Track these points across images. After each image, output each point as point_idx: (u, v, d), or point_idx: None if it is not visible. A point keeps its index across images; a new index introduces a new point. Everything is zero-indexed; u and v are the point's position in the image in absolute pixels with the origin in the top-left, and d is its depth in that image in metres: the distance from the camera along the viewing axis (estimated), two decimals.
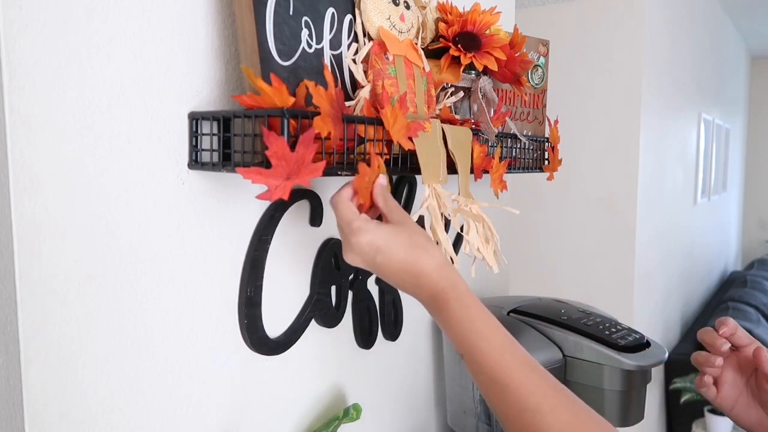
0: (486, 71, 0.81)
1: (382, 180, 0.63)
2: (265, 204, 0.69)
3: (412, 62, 0.70)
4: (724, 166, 4.02)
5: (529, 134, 0.99)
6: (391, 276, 0.61)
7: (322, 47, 0.64)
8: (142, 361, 0.59)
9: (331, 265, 0.79)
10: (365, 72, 0.67)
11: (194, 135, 0.61)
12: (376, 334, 0.89)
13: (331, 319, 0.80)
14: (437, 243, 0.69)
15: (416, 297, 0.62)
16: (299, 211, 0.74)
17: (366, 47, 0.67)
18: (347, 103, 0.65)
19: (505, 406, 0.56)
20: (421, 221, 0.71)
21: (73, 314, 0.53)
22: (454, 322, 0.59)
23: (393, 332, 0.92)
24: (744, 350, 0.73)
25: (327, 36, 0.64)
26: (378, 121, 0.63)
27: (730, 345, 0.73)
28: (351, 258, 0.61)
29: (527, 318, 0.98)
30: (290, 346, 0.74)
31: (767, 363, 0.69)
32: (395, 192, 0.89)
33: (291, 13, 0.60)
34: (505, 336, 0.59)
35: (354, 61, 0.66)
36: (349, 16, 0.67)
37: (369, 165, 0.61)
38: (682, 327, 3.12)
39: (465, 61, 0.75)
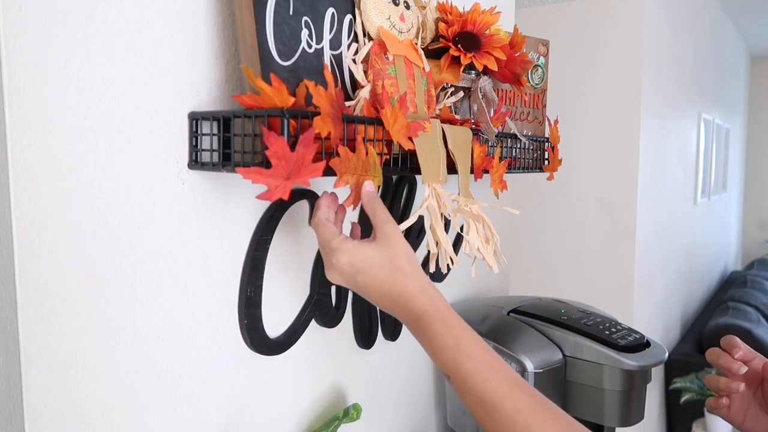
0: (486, 71, 0.81)
1: (369, 186, 0.61)
2: (265, 204, 0.69)
3: (412, 62, 0.70)
4: (724, 166, 4.02)
5: (529, 134, 0.99)
6: (372, 297, 0.60)
7: (322, 47, 0.64)
8: (142, 361, 0.59)
9: None
10: (365, 72, 0.67)
11: (194, 135, 0.61)
12: (376, 334, 0.89)
13: (331, 319, 0.80)
14: (437, 243, 0.69)
15: (398, 318, 0.62)
16: (299, 211, 0.74)
17: (366, 47, 0.67)
18: (347, 103, 0.65)
19: (493, 424, 0.56)
20: (421, 221, 0.71)
21: (73, 314, 0.53)
22: (440, 344, 0.58)
23: (393, 332, 0.92)
24: (750, 365, 0.75)
25: (327, 36, 0.64)
26: (378, 121, 0.63)
27: (747, 368, 0.74)
28: (332, 277, 0.61)
29: (527, 318, 0.98)
30: (290, 346, 0.74)
31: None
32: (395, 192, 0.89)
33: (291, 13, 0.60)
34: (491, 354, 0.59)
35: (354, 61, 0.66)
36: (349, 16, 0.67)
37: (354, 151, 0.59)
38: (682, 327, 3.12)
39: (465, 61, 0.75)
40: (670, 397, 2.69)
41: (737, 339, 0.76)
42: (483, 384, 0.56)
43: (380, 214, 0.61)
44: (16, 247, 0.49)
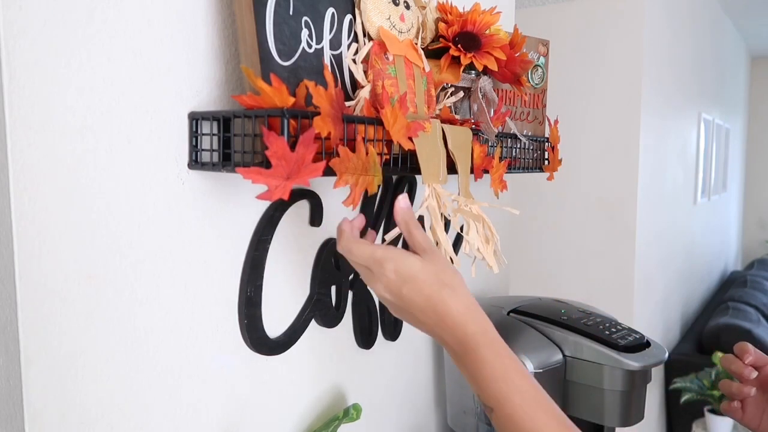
0: (486, 71, 0.81)
1: (403, 202, 0.59)
2: (265, 204, 0.69)
3: (412, 62, 0.70)
4: (724, 166, 4.02)
5: (529, 134, 0.99)
6: (414, 311, 0.57)
7: (322, 47, 0.64)
8: (142, 361, 0.59)
9: (331, 265, 0.79)
10: (365, 72, 0.67)
11: (194, 135, 0.61)
12: (376, 334, 0.89)
13: (331, 319, 0.80)
14: (437, 243, 0.69)
15: (438, 338, 0.58)
16: (299, 211, 0.74)
17: (366, 47, 0.67)
18: (347, 103, 0.65)
19: None
20: (421, 221, 0.71)
21: (73, 314, 0.53)
22: (487, 372, 0.55)
23: (393, 332, 0.92)
24: (762, 370, 0.78)
25: (327, 36, 0.64)
26: (378, 121, 0.63)
27: (757, 373, 0.77)
28: (376, 288, 0.57)
29: (527, 318, 0.98)
30: (290, 346, 0.74)
31: None
32: (395, 192, 0.89)
33: (291, 13, 0.60)
34: (536, 387, 0.56)
35: (354, 61, 0.66)
36: (349, 16, 0.67)
37: (354, 151, 0.59)
38: (682, 327, 3.12)
39: (465, 61, 0.75)
40: (670, 397, 2.69)
41: (749, 345, 0.78)
42: (530, 421, 0.54)
43: (415, 231, 0.59)
44: (16, 247, 0.49)
